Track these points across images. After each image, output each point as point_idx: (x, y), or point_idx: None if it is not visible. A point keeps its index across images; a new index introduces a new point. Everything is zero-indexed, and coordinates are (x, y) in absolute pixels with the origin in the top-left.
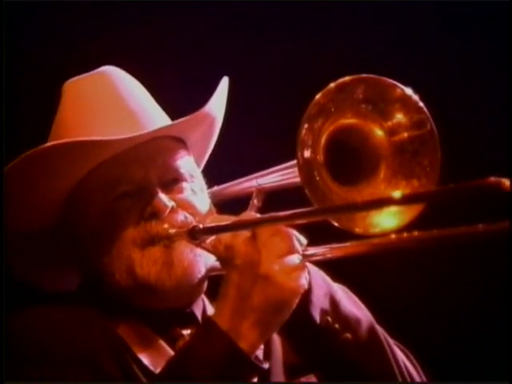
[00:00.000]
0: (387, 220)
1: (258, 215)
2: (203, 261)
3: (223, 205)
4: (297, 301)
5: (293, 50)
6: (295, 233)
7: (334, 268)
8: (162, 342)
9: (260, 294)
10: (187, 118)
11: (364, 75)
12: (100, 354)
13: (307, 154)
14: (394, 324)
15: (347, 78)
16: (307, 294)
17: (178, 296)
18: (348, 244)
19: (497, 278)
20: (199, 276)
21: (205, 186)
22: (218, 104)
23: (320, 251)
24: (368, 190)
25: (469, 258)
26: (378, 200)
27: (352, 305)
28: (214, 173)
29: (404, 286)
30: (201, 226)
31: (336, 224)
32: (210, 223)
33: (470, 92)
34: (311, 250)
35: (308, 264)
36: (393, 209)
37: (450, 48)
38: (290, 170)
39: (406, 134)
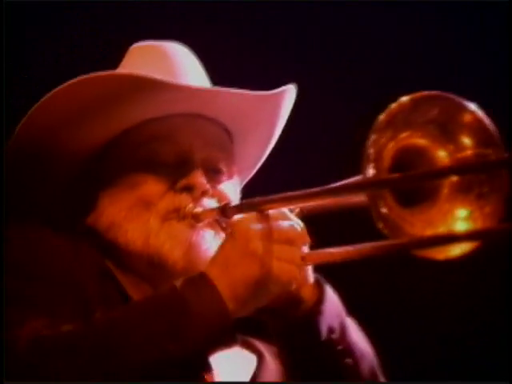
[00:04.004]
0: None
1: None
2: None
3: None
4: (277, 291)
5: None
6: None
7: None
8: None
9: (243, 269)
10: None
11: (438, 93)
12: (84, 276)
13: (371, 170)
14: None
15: (425, 93)
16: (319, 306)
17: None
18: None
19: (498, 275)
20: None
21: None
22: (282, 110)
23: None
24: (421, 216)
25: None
26: None
27: (360, 338)
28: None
29: (403, 279)
30: (232, 203)
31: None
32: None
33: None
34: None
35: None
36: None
37: None
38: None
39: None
